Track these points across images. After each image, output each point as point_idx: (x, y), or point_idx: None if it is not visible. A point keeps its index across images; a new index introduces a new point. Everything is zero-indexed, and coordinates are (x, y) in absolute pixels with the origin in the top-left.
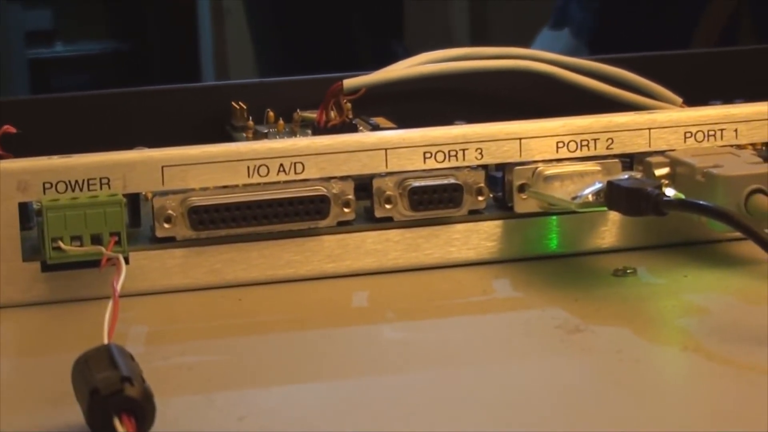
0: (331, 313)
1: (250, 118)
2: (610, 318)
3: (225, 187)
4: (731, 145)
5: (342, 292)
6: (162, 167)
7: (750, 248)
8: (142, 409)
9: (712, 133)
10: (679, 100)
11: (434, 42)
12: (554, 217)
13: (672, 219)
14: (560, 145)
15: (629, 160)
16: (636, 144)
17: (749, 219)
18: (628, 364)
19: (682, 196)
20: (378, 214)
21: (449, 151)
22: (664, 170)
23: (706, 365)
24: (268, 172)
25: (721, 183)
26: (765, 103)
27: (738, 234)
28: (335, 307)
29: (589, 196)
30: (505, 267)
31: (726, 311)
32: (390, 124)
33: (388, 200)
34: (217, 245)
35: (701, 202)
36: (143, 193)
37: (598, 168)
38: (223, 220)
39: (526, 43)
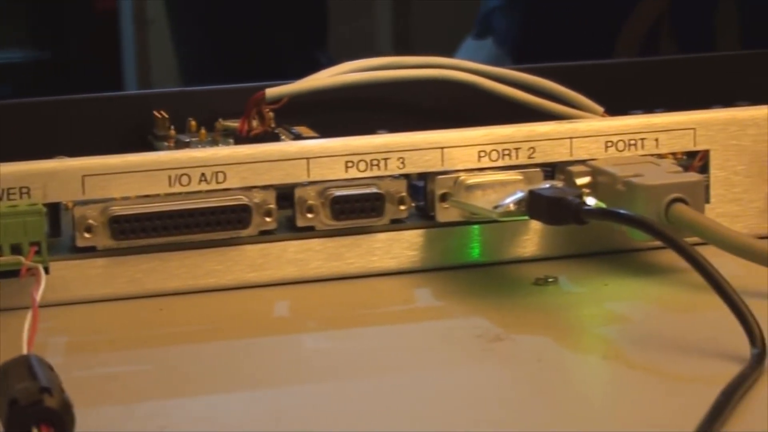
0: (253, 322)
1: (172, 127)
2: (531, 326)
3: (146, 196)
4: (652, 155)
5: (263, 301)
6: (83, 176)
7: (670, 257)
8: (62, 420)
9: (633, 142)
10: (601, 109)
11: (358, 51)
12: (476, 226)
13: (593, 228)
14: (482, 154)
15: (551, 170)
16: (557, 153)
17: (669, 228)
18: (548, 373)
19: (603, 205)
20: (300, 223)
21: (371, 161)
22: (585, 179)
23: (627, 373)
24: (190, 181)
25: (642, 192)
26: (685, 112)
27: (658, 243)
28: (257, 316)
29: (511, 205)
30: (427, 276)
31: (646, 319)
32: (312, 134)
33: (310, 209)
34: (138, 255)
35: (621, 211)
36: (64, 203)
37: (520, 177)
38: (144, 230)
39: (449, 52)
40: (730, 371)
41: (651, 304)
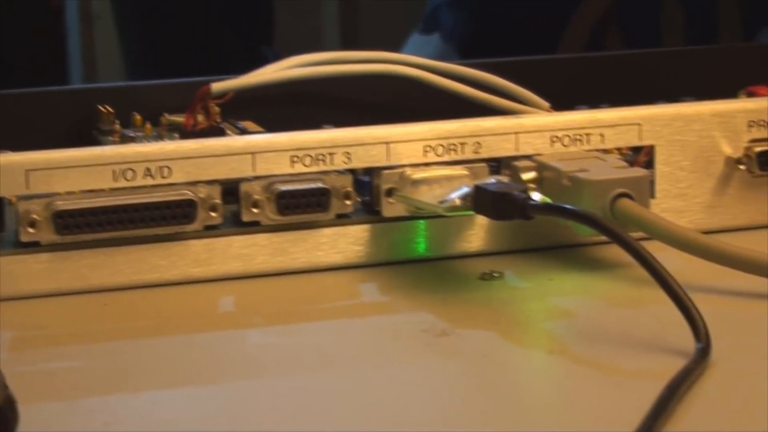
0: (198, 318)
1: (117, 121)
2: (477, 321)
3: (91, 191)
4: (597, 150)
5: (209, 296)
6: (26, 171)
7: (615, 252)
8: (5, 416)
9: (578, 137)
10: (547, 104)
11: (304, 46)
12: (422, 221)
13: (538, 223)
14: (428, 149)
15: (496, 165)
16: (503, 148)
17: (614, 223)
18: (494, 368)
19: (549, 200)
20: (245, 218)
21: (317, 155)
22: (531, 174)
23: (572, 368)
24: (135, 176)
25: (587, 187)
26: (630, 108)
27: (603, 238)
28: (202, 312)
29: (457, 200)
30: (373, 271)
31: (591, 314)
32: (258, 128)
33: (256, 204)
34: (82, 250)
35: (567, 206)
36: (7, 198)
37: (466, 172)
38: (89, 225)
39: (396, 47)
40: (675, 366)
41: (596, 299)
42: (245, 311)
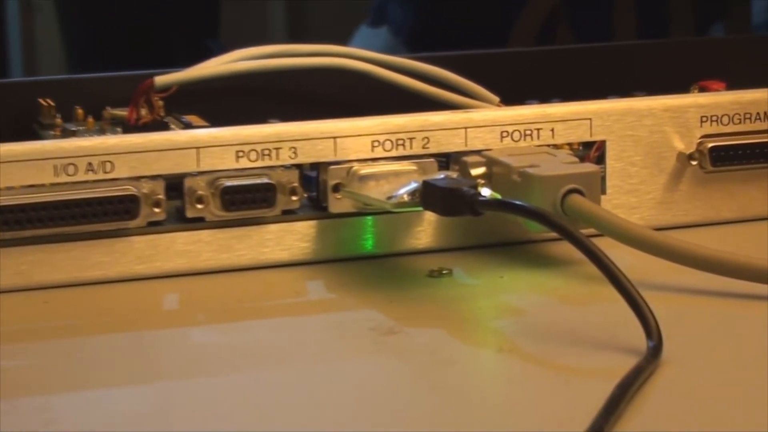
0: (141, 315)
1: (58, 115)
2: (425, 319)
3: (31, 186)
4: (548, 145)
5: (152, 294)
6: None
7: (566, 249)
8: None
9: (528, 132)
10: (496, 99)
11: (251, 39)
12: (369, 218)
13: (488, 219)
14: (375, 144)
15: (445, 160)
16: (452, 143)
17: (565, 219)
18: (442, 366)
19: (498, 196)
20: (189, 214)
21: (262, 150)
22: (481, 170)
23: (522, 366)
24: (76, 171)
25: (537, 183)
26: (581, 102)
27: (554, 234)
28: (145, 309)
29: (405, 196)
30: (319, 268)
31: (542, 312)
32: (202, 123)
33: (200, 200)
34: (22, 246)
35: (517, 202)
36: None
37: (414, 167)
38: (29, 221)
39: (344, 40)
40: (626, 364)
41: (547, 296)
42: (189, 309)
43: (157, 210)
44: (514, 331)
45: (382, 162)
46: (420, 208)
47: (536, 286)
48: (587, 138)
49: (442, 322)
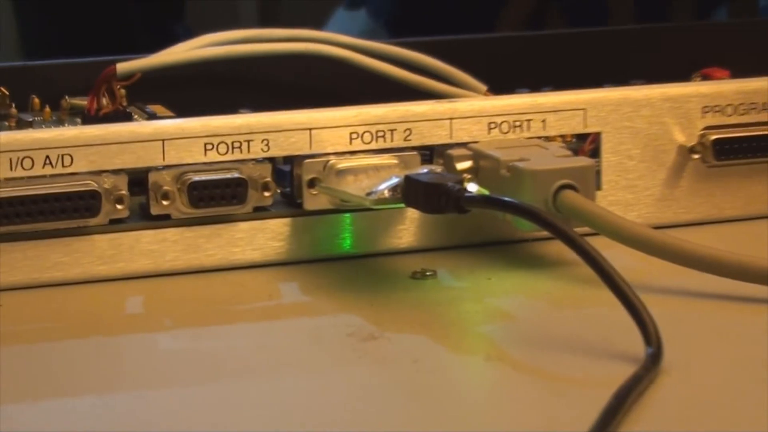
0: (103, 320)
1: (13, 105)
2: (407, 324)
3: None
4: (539, 137)
5: (115, 297)
6: None
7: (558, 248)
8: None
9: (518, 123)
10: (484, 87)
11: (219, 23)
12: (347, 215)
13: (475, 217)
14: (354, 136)
15: (429, 153)
16: (436, 135)
17: (557, 217)
18: (425, 375)
19: (486, 192)
20: (154, 211)
21: (233, 143)
22: (467, 164)
23: (511, 375)
24: (33, 164)
25: (528, 178)
26: (575, 91)
27: (545, 233)
28: (107, 313)
29: (385, 192)
30: (294, 269)
31: (532, 316)
32: (168, 113)
33: (166, 196)
34: None
35: (505, 199)
36: None
37: (395, 161)
38: None
39: (319, 24)
40: (624, 373)
41: (538, 300)
42: (155, 313)
43: (119, 207)
44: (503, 338)
45: (361, 155)
46: (402, 205)
47: (527, 288)
48: (581, 130)
49: (426, 327)
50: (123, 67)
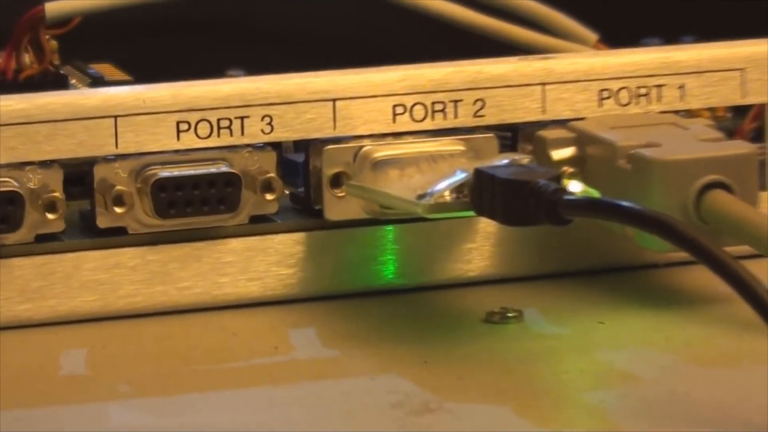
0: (31, 383)
1: None
2: (479, 390)
3: None
4: (675, 112)
5: (48, 350)
6: None
7: (703, 276)
8: None
9: (644, 91)
10: (594, 37)
11: None
12: (389, 228)
13: (579, 231)
14: (399, 110)
15: (511, 136)
16: (522, 109)
17: (701, 231)
18: None
19: (596, 194)
20: (102, 222)
21: (218, 121)
22: (567, 152)
23: None
24: None
25: (658, 172)
26: (728, 43)
27: (684, 254)
28: (37, 374)
29: (446, 194)
30: (310, 309)
31: (663, 378)
32: (121, 75)
33: (120, 200)
34: None
35: (624, 204)
36: None
37: (461, 148)
38: None
39: None
40: None
41: (671, 354)
42: (105, 374)
43: (51, 216)
44: (620, 410)
45: (410, 139)
46: (471, 213)
47: (655, 337)
48: (738, 101)
49: (506, 394)
50: (54, 7)
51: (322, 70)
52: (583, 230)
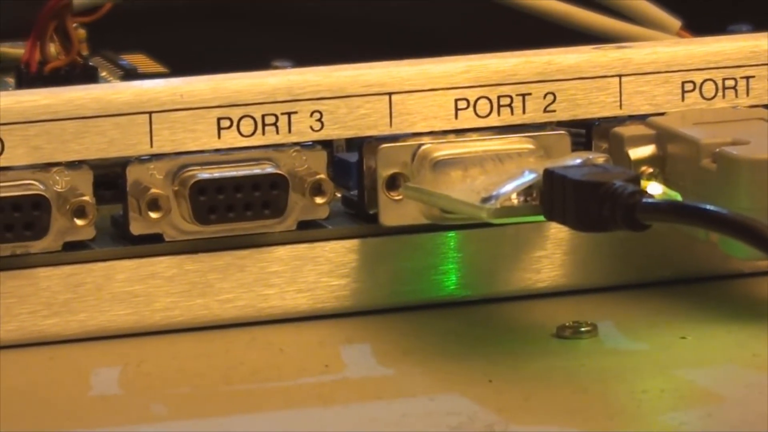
0: (60, 404)
1: None
2: (549, 412)
3: None
4: (765, 106)
5: (76, 368)
6: None
7: None
8: None
9: (731, 83)
10: (677, 23)
11: None
12: (451, 235)
13: (658, 237)
14: (462, 105)
15: (584, 133)
16: (596, 104)
17: None
18: None
19: (677, 197)
20: (136, 229)
21: (263, 116)
22: (646, 150)
23: None
24: None
25: (746, 172)
26: None
27: None
28: (64, 394)
29: (513, 197)
30: (364, 323)
31: (749, 398)
32: (156, 68)
33: (155, 204)
34: None
35: (708, 208)
36: None
37: (530, 146)
38: None
39: None
40: None
41: (759, 372)
42: (138, 394)
43: (79, 222)
44: None
45: (474, 137)
46: (541, 218)
47: (741, 353)
48: None
49: (580, 415)
50: None
51: (377, 60)
52: (663, 236)
